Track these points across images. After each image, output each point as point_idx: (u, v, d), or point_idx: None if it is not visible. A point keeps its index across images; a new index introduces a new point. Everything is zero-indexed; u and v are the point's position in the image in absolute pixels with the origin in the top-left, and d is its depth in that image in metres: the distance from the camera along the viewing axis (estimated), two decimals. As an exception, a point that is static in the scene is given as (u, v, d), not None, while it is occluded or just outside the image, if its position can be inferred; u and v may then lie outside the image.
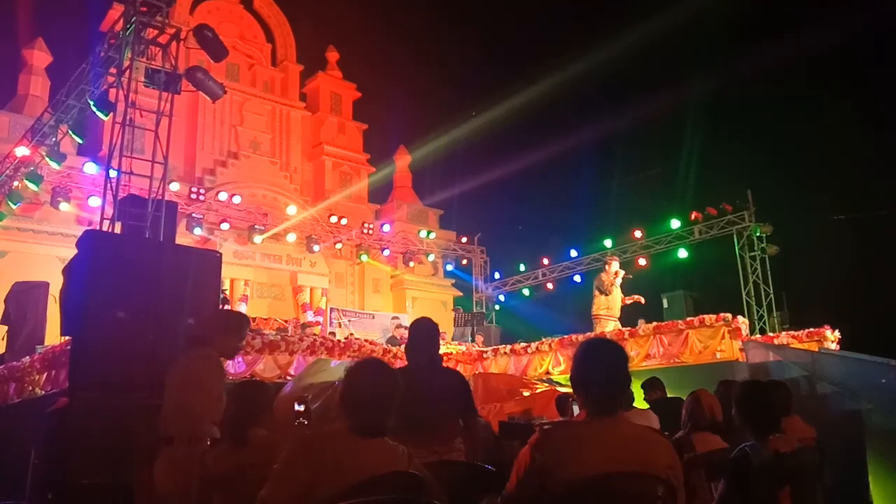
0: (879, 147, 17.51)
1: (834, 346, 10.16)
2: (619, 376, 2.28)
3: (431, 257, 20.74)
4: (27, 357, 9.80)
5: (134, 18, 9.43)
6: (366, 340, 11.33)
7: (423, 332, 4.06)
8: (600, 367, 2.27)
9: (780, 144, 20.51)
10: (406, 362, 4.04)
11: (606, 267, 11.55)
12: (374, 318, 18.68)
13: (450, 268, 21.72)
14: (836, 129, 17.99)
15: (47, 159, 12.89)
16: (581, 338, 10.73)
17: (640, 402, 6.57)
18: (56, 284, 7.66)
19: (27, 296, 11.55)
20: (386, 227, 19.68)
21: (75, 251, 5.42)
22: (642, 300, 11.52)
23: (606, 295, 11.14)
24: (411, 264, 20.37)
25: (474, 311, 20.79)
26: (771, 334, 11.65)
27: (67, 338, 7.34)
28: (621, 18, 19.49)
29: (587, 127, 22.11)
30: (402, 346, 12.54)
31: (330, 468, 2.22)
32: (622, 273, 11.32)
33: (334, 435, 2.36)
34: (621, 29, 19.18)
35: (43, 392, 8.82)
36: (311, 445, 2.31)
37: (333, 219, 18.64)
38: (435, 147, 21.43)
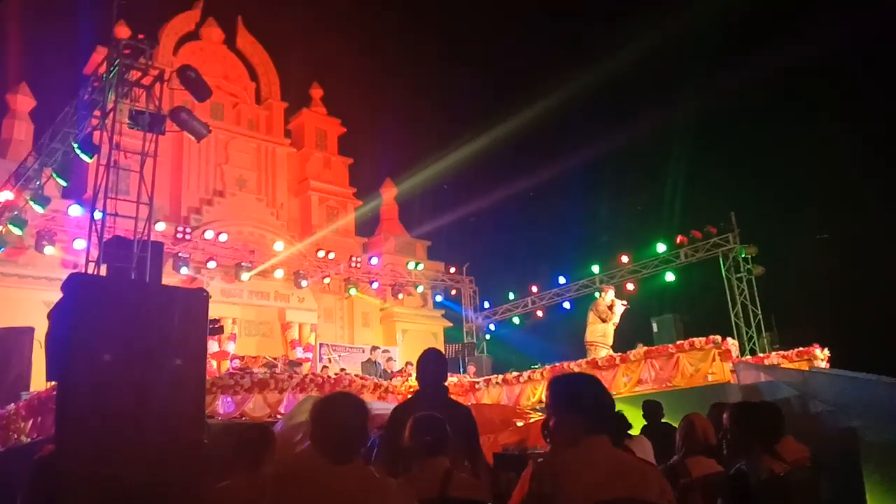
0: (860, 164, 17.76)
1: (824, 364, 10.20)
2: (607, 401, 2.35)
3: (420, 289, 20.71)
4: (12, 404, 9.65)
5: (117, 61, 9.50)
6: (356, 375, 11.24)
7: (429, 363, 4.05)
8: (590, 393, 2.31)
9: (762, 166, 20.77)
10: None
11: (602, 295, 11.65)
12: (364, 352, 18.57)
13: (439, 298, 21.67)
14: (815, 147, 18.27)
15: (31, 203, 12.84)
16: (572, 365, 10.73)
17: (635, 429, 6.56)
18: (41, 329, 7.58)
19: (12, 341, 11.43)
20: (374, 260, 19.66)
21: (60, 295, 5.37)
22: (625, 304, 11.63)
23: (606, 322, 11.25)
24: (400, 296, 20.32)
25: (465, 341, 20.72)
26: (761, 355, 11.69)
27: (53, 383, 7.25)
28: (603, 46, 19.80)
29: (571, 154, 22.33)
30: (392, 378, 12.52)
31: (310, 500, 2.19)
32: (618, 302, 11.44)
33: (309, 467, 2.34)
34: (603, 56, 19.51)
35: (29, 439, 8.68)
36: (287, 482, 2.29)
37: (321, 253, 18.61)
38: (421, 178, 21.55)
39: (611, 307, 11.37)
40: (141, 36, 10.40)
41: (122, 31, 14.70)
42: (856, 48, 17.62)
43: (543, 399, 10.78)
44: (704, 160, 21.10)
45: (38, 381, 10.19)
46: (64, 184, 12.37)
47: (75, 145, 10.52)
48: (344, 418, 2.42)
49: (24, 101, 17.13)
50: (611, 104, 23.18)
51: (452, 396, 4.37)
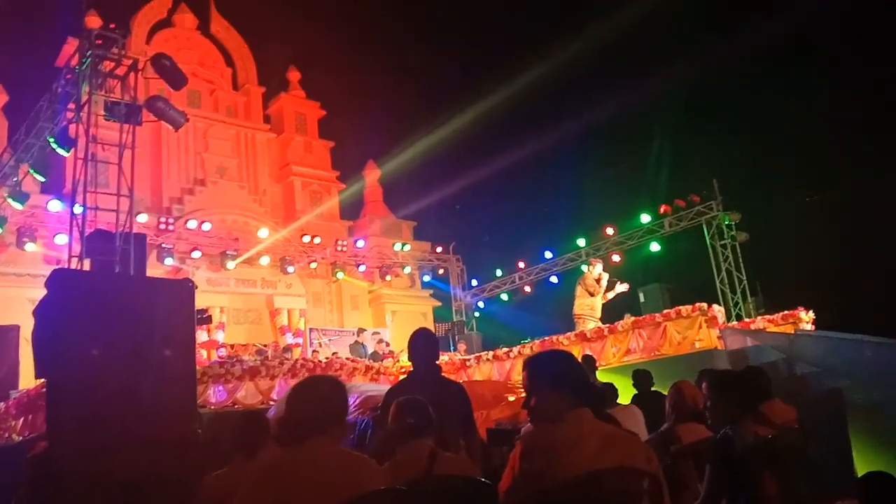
0: (840, 128, 17.87)
1: (809, 327, 10.33)
2: (584, 375, 2.42)
3: (408, 269, 20.72)
4: (2, 403, 9.61)
5: (90, 52, 9.35)
6: (347, 359, 11.27)
7: (420, 344, 4.08)
8: (569, 369, 2.38)
9: (743, 132, 20.83)
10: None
11: (589, 268, 11.73)
12: (354, 334, 18.59)
13: (427, 279, 21.70)
14: (795, 112, 18.33)
15: (9, 200, 12.68)
16: (562, 338, 10.81)
17: (624, 398, 6.63)
18: (27, 327, 7.52)
19: (-2, 340, 11.33)
20: (360, 243, 19.62)
21: (45, 291, 5.33)
22: (626, 287, 11.77)
23: (594, 296, 11.33)
24: (388, 278, 20.33)
25: (454, 319, 20.80)
26: (747, 320, 11.81)
27: (42, 380, 7.21)
28: (584, 18, 19.69)
29: (552, 128, 22.27)
30: (384, 360, 12.56)
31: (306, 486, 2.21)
32: (606, 276, 11.53)
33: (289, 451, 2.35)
34: (583, 28, 19.41)
35: (21, 437, 8.65)
36: (270, 476, 2.29)
37: (306, 238, 18.54)
38: (404, 159, 21.45)
39: (598, 280, 11.44)
40: (112, 25, 10.21)
41: (93, 21, 14.44)
42: (836, 15, 17.63)
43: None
44: (686, 129, 21.13)
45: (27, 378, 10.12)
46: (42, 179, 12.21)
47: (51, 140, 10.38)
48: (323, 396, 2.44)
49: (-4, 97, 16.83)
50: (592, 77, 23.09)
51: (445, 375, 4.39)
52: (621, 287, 11.78)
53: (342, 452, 2.42)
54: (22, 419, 8.87)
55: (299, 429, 2.35)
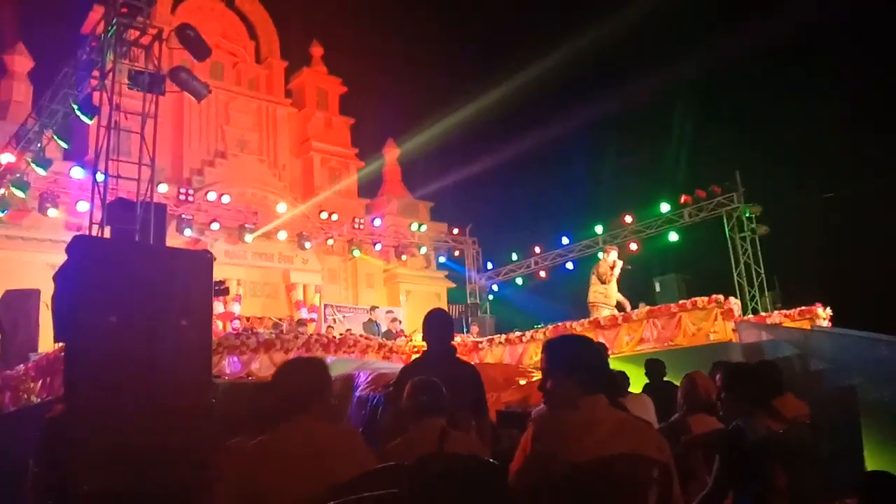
0: (864, 123, 17.60)
1: (826, 324, 10.23)
2: (602, 361, 2.45)
3: (423, 250, 20.72)
4: (21, 365, 9.76)
5: (115, 20, 9.37)
6: (361, 336, 11.33)
7: (435, 324, 4.09)
8: (587, 355, 2.37)
9: (766, 124, 20.61)
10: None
11: (604, 255, 11.63)
12: (369, 312, 18.68)
13: (442, 260, 21.71)
14: (819, 106, 18.07)
15: (33, 165, 12.80)
16: (575, 325, 10.80)
17: (636, 387, 6.63)
18: (47, 291, 7.62)
19: (18, 304, 11.49)
20: (377, 222, 19.64)
21: (65, 257, 5.39)
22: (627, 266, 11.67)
23: (605, 284, 11.24)
24: (404, 258, 20.36)
25: (468, 301, 20.82)
26: (763, 314, 11.72)
27: (61, 344, 7.32)
28: (610, 3, 19.43)
29: (575, 114, 22.13)
30: (397, 339, 12.62)
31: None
32: (620, 263, 11.43)
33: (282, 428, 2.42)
34: (607, 13, 19.17)
35: (38, 400, 8.80)
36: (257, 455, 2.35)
37: (324, 215, 18.59)
38: (423, 139, 21.38)
39: (612, 268, 11.34)
40: (138, -6, 10.23)
41: (119, -10, 14.45)
42: (862, 9, 17.29)
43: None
44: (709, 119, 20.93)
45: (46, 342, 10.29)
46: (65, 146, 12.31)
47: (75, 106, 10.44)
48: (305, 376, 2.55)
49: (21, 62, 16.95)
50: (615, 63, 22.87)
51: (459, 356, 4.41)
52: (619, 267, 11.55)
53: (327, 428, 2.50)
54: (41, 382, 9.02)
55: (284, 407, 2.46)
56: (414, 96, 26.06)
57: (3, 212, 13.94)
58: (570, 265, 19.33)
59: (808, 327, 9.75)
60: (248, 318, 15.65)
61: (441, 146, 21.55)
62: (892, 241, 15.31)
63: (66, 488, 4.42)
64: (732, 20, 19.98)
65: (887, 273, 14.85)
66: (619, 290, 11.51)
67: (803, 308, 10.56)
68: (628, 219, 17.67)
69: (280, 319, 15.54)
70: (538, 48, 20.65)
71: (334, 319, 17.67)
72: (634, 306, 11.09)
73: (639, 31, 19.61)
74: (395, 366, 7.92)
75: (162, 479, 4.00)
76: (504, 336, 11.93)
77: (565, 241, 19.42)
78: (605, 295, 11.26)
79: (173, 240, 14.52)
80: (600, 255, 12.30)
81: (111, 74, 9.41)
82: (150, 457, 3.63)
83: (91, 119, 10.22)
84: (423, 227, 20.48)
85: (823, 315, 10.36)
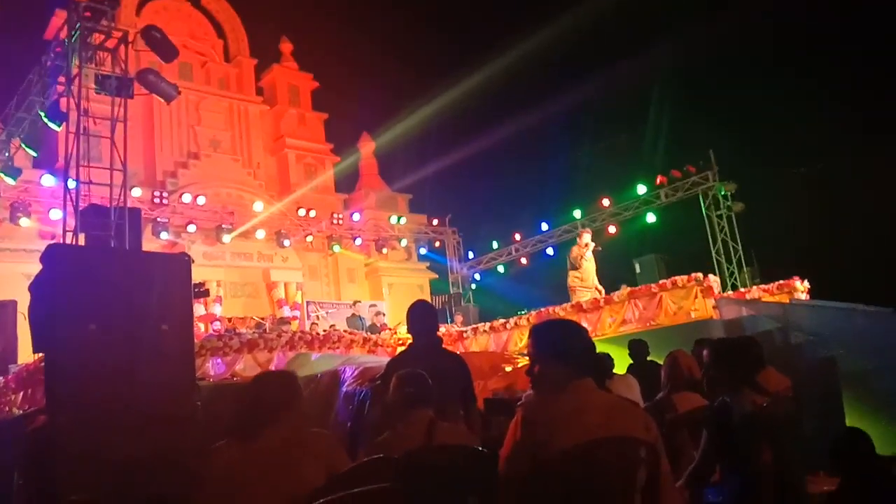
0: (836, 98, 17.80)
1: (804, 297, 10.37)
2: (589, 345, 2.40)
3: (404, 242, 20.68)
4: (1, 377, 9.63)
5: (78, 24, 9.21)
6: (345, 331, 11.31)
7: (419, 315, 4.08)
8: (574, 338, 2.35)
9: (738, 102, 20.72)
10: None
11: (578, 239, 11.74)
12: (351, 306, 18.64)
13: (423, 251, 21.67)
14: (791, 82, 18.25)
15: (2, 175, 12.58)
16: (558, 310, 10.85)
17: (620, 368, 6.68)
18: (23, 302, 7.51)
19: (-5, 316, 11.33)
20: (356, 216, 19.55)
21: (40, 266, 5.31)
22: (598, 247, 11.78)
23: (577, 269, 11.36)
24: (384, 251, 20.30)
25: (451, 292, 20.84)
26: (742, 290, 11.84)
27: (40, 355, 7.23)
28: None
29: (549, 100, 22.20)
30: (381, 332, 12.61)
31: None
32: (592, 245, 11.53)
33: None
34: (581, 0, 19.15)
35: (20, 411, 8.69)
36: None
37: (301, 212, 18.46)
38: (399, 131, 21.29)
39: (585, 248, 11.47)
40: (101, -4, 10.05)
41: (81, -8, 14.19)
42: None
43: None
44: (682, 100, 21.03)
45: (26, 352, 10.13)
46: (34, 154, 12.11)
47: (42, 114, 10.27)
48: (268, 388, 2.67)
49: (-16, 70, 16.62)
50: (590, 49, 22.89)
51: (445, 347, 4.40)
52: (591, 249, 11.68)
53: (296, 436, 2.58)
54: (21, 393, 8.91)
55: (251, 422, 2.56)
56: (387, 88, 26.00)
57: (-27, 223, 13.69)
58: (550, 251, 19.42)
59: (787, 301, 9.88)
60: (230, 319, 15.55)
61: (417, 137, 21.50)
62: (864, 213, 15.55)
63: (52, 499, 4.37)
64: (708, 5, 20.07)
65: (861, 244, 15.10)
66: (598, 271, 11.61)
67: (781, 282, 10.69)
68: (606, 202, 17.77)
69: (262, 319, 15.44)
70: (512, 35, 20.61)
71: (317, 316, 17.61)
72: (615, 288, 11.17)
73: (613, 15, 19.65)
74: (381, 359, 7.91)
75: (148, 487, 3.97)
76: (488, 324, 11.96)
77: (545, 226, 19.49)
78: (581, 279, 11.40)
79: (149, 244, 14.36)
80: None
81: (77, 80, 9.25)
82: (136, 465, 3.60)
83: (59, 126, 10.05)
84: (403, 220, 20.43)
85: (801, 288, 10.49)
